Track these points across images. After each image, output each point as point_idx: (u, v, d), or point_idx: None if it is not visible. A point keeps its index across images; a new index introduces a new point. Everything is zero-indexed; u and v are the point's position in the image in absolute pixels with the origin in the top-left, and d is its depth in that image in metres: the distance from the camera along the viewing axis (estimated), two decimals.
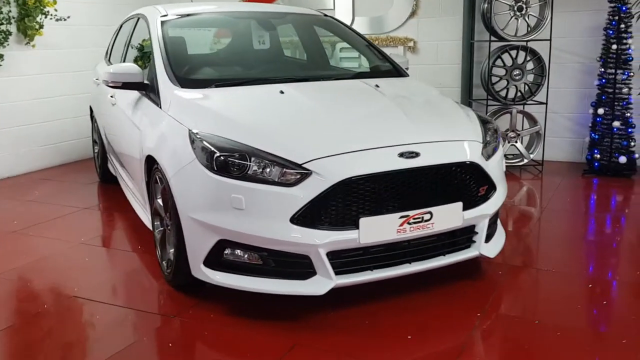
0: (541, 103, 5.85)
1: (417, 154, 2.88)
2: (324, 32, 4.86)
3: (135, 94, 3.87)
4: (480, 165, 3.05)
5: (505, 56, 5.76)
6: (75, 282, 3.47)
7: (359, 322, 2.87)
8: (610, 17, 5.47)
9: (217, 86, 3.51)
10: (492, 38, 5.82)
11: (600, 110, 5.56)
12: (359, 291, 3.04)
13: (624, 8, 5.37)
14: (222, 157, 2.82)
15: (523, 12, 5.67)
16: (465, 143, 3.09)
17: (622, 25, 5.40)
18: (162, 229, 3.43)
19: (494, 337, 2.74)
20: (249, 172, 2.77)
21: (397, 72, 4.16)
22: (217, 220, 2.82)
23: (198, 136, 2.95)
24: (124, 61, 4.69)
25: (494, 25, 5.65)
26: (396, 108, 3.29)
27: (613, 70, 5.51)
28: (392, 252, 2.91)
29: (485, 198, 3.12)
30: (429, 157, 2.90)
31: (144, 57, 4.98)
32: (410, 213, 2.84)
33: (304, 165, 2.74)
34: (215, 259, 2.91)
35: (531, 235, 4.11)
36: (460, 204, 2.97)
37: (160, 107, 3.45)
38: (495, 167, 3.18)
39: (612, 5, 5.44)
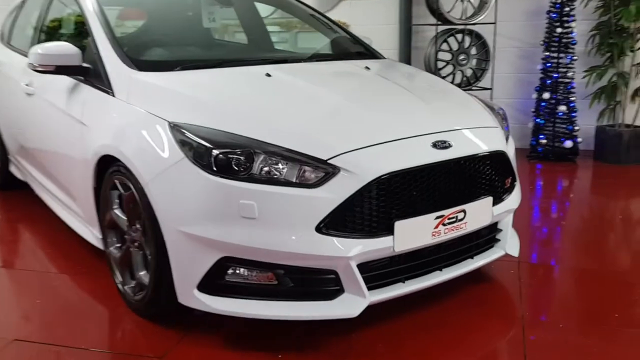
0: (486, 89, 5.67)
1: (449, 144, 2.46)
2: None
3: (67, 80, 3.13)
4: (507, 155, 2.70)
5: (451, 40, 5.52)
6: (10, 320, 2.71)
7: (387, 345, 2.41)
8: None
9: (183, 69, 2.89)
10: (435, 21, 5.55)
11: (546, 95, 5.47)
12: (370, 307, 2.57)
13: None
14: (222, 155, 2.24)
15: None
16: (490, 130, 2.73)
17: (567, 8, 5.33)
18: (120, 245, 2.77)
19: (554, 350, 2.39)
20: (255, 172, 2.22)
21: (370, 53, 3.72)
22: (220, 234, 2.24)
23: (183, 129, 2.35)
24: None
25: (440, 7, 5.37)
26: (407, 92, 2.86)
27: (556, 54, 5.43)
28: (424, 260, 2.49)
29: (508, 191, 2.78)
30: (461, 147, 2.50)
31: (52, 39, 4.17)
32: (445, 212, 2.42)
33: (330, 161, 2.23)
34: (213, 282, 2.33)
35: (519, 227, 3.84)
36: (490, 199, 2.60)
37: (114, 96, 2.77)
38: (513, 157, 2.85)
39: None
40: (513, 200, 2.79)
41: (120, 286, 2.79)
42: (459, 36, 5.51)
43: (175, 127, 2.37)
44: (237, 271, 2.30)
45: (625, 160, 5.37)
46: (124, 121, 2.61)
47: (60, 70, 2.96)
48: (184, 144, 2.32)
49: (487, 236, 2.74)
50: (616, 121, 5.48)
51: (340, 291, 2.31)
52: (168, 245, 2.36)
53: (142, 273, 2.61)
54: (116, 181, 2.65)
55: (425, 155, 2.38)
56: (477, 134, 2.65)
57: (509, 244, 2.83)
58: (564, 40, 5.41)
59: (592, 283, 3.01)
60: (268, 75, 2.84)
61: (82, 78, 3.04)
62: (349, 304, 2.30)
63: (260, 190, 2.20)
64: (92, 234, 3.08)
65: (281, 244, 2.21)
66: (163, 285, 2.45)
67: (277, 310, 2.30)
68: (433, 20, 5.62)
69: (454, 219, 2.46)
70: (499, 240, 2.80)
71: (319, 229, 2.21)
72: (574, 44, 5.40)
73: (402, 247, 2.33)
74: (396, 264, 2.41)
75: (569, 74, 5.44)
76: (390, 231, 2.29)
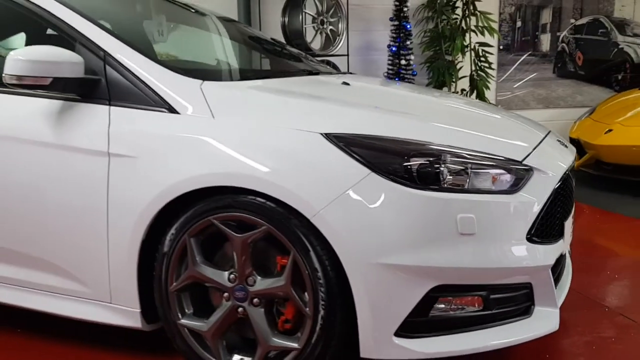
0: None
1: (565, 144, 2.48)
2: None
3: (38, 103, 2.24)
4: None
5: None
6: None
7: None
8: (394, 34, 5.80)
9: (246, 79, 2.35)
10: None
11: None
12: None
13: (408, 26, 5.76)
14: (424, 164, 1.88)
15: (324, 25, 5.52)
16: None
17: (408, 42, 5.79)
18: (207, 312, 2.10)
19: None
20: (450, 181, 1.92)
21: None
22: (434, 258, 1.86)
23: (355, 139, 1.91)
24: None
25: (306, 38, 5.32)
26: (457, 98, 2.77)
27: None
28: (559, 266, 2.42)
29: None
30: (570, 147, 2.53)
31: None
32: (571, 216, 2.42)
33: (525, 162, 2.04)
34: (415, 321, 1.91)
35: None
36: None
37: (178, 112, 2.09)
38: None
39: (395, 23, 5.78)
40: None
41: None
42: None
43: (340, 139, 1.91)
44: (448, 301, 1.94)
45: None
46: (241, 141, 1.98)
47: (56, 84, 2.11)
48: (362, 156, 1.88)
49: None
50: None
51: (531, 306, 2.11)
52: (354, 285, 1.87)
53: (278, 338, 2.00)
54: (215, 222, 1.99)
55: (567, 152, 2.35)
56: None
57: None
58: (402, 73, 5.85)
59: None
60: (346, 83, 2.48)
61: (78, 97, 2.21)
62: (547, 318, 2.10)
63: (477, 201, 1.91)
64: (119, 313, 2.21)
65: (500, 260, 1.94)
66: (332, 343, 1.92)
67: (488, 339, 1.99)
68: None
69: (573, 222, 2.46)
70: None
71: (529, 237, 2.00)
72: (414, 74, 5.88)
73: (564, 250, 2.25)
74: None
75: None
76: (561, 234, 2.19)
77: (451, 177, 1.90)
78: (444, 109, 2.46)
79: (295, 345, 1.97)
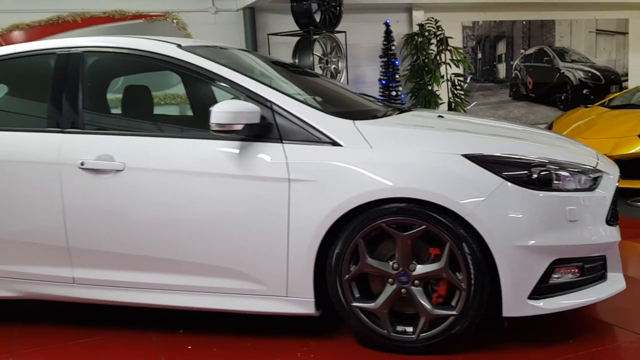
0: None
1: None
2: None
3: (222, 145, 2.83)
4: None
5: None
6: None
7: None
8: (384, 69, 6.61)
9: (374, 117, 3.03)
10: None
11: None
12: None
13: (396, 62, 6.59)
14: (542, 173, 2.63)
15: (329, 65, 6.25)
16: None
17: (397, 76, 6.62)
18: (373, 295, 2.74)
19: None
20: (556, 183, 2.68)
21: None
22: (553, 239, 2.60)
23: (488, 157, 2.64)
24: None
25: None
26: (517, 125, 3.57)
27: None
28: None
29: None
30: None
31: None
32: None
33: (597, 167, 2.84)
34: (540, 287, 2.64)
35: None
36: None
37: (341, 145, 2.73)
38: None
39: (384, 59, 6.60)
40: None
41: (384, 334, 2.72)
42: None
43: (476, 158, 2.62)
44: (561, 270, 2.68)
45: None
46: (402, 163, 2.65)
47: (244, 129, 2.73)
48: (496, 170, 2.60)
49: None
50: None
51: (605, 272, 2.88)
52: (499, 263, 2.57)
53: (437, 309, 2.66)
54: (383, 224, 2.65)
55: (610, 161, 3.18)
56: None
57: None
58: (392, 102, 6.66)
59: None
60: (441, 116, 3.21)
61: (251, 137, 2.81)
62: (617, 281, 2.88)
63: (576, 197, 2.67)
64: (295, 303, 2.80)
65: (593, 238, 2.71)
66: (481, 308, 2.61)
67: (585, 297, 2.74)
68: None
69: None
70: None
71: (607, 221, 2.78)
72: (403, 104, 6.70)
73: None
74: None
75: None
76: (617, 219, 2.99)
77: (557, 181, 2.65)
78: (521, 132, 3.21)
79: (453, 312, 2.65)
